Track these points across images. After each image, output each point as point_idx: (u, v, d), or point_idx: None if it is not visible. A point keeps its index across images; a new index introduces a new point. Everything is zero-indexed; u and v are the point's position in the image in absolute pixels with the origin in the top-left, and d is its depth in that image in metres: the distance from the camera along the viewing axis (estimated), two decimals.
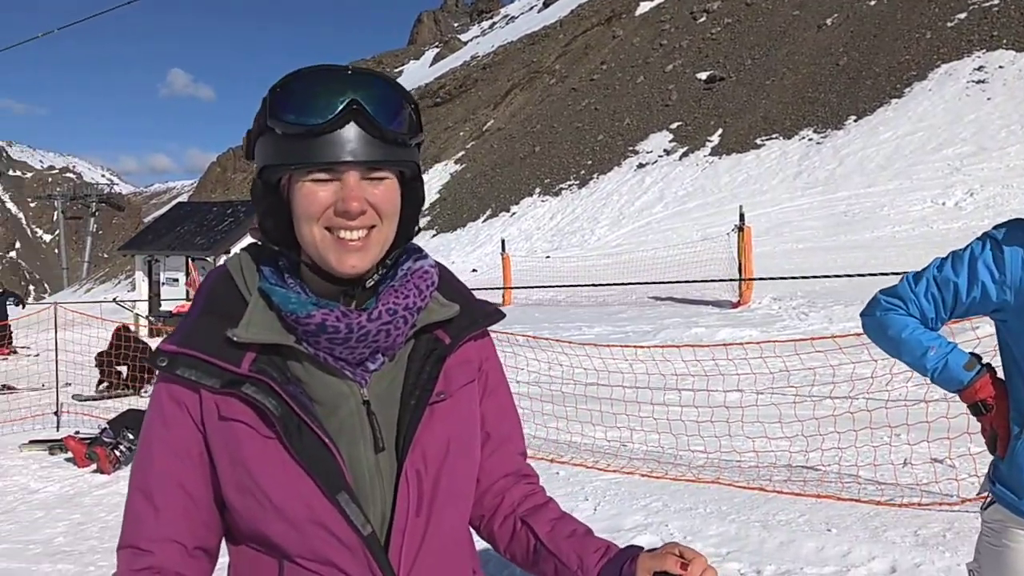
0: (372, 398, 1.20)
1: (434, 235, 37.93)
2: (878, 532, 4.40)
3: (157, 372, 1.23)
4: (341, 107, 1.12)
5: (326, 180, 1.14)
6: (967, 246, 2.06)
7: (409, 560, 1.19)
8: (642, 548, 1.24)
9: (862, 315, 2.25)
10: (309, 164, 1.13)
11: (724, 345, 7.95)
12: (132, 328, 13.27)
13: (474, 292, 1.41)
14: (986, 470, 2.13)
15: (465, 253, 33.29)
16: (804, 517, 4.73)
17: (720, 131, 34.16)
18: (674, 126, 36.79)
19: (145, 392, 11.38)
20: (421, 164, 1.26)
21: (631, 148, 36.89)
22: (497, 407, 1.39)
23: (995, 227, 2.05)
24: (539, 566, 1.35)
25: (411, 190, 1.24)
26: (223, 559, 1.26)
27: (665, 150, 35.32)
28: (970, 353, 2.09)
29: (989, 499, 2.05)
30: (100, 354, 11.59)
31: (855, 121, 29.68)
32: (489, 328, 1.38)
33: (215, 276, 1.26)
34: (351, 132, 1.13)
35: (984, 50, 29.85)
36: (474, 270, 27.68)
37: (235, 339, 1.16)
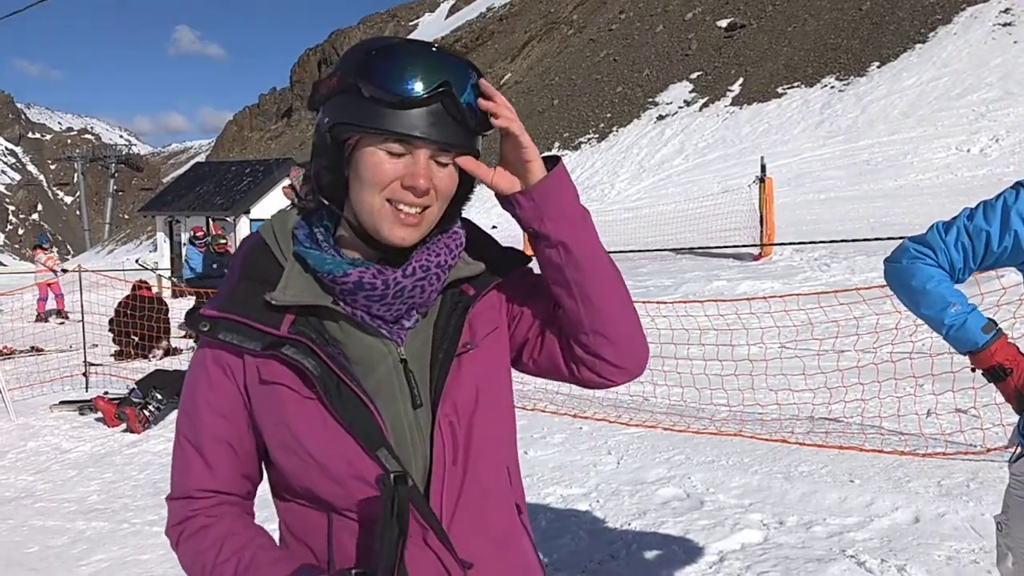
0: (408, 355, 1.25)
1: None
2: (901, 482, 4.41)
3: (195, 336, 1.30)
4: (435, 85, 1.15)
5: (399, 153, 1.17)
6: (999, 195, 2.03)
7: (450, 507, 1.24)
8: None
9: (886, 261, 2.22)
10: (390, 133, 1.15)
11: (748, 299, 7.91)
12: (153, 287, 13.34)
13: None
14: (1013, 421, 2.12)
15: (485, 209, 32.95)
16: (826, 468, 4.75)
17: (741, 80, 33.62)
18: (694, 76, 36.24)
19: (155, 356, 11.47)
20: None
21: (651, 100, 36.42)
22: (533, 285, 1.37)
23: None
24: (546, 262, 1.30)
25: (467, 177, 1.27)
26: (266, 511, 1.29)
27: (685, 101, 34.85)
28: (987, 319, 2.07)
29: (1019, 452, 2.04)
30: (110, 321, 11.63)
31: (878, 67, 29.10)
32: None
33: (250, 242, 1.30)
34: (436, 111, 1.16)
35: None
36: (494, 227, 27.58)
37: (273, 302, 1.21)
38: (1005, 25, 27.59)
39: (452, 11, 79.74)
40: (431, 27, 77.35)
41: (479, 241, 1.36)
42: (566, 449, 5.73)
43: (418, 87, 1.14)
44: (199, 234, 14.57)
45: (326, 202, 1.24)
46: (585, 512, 4.55)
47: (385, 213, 1.19)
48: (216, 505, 1.28)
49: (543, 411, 6.79)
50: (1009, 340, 2.05)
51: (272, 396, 1.22)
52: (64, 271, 16.93)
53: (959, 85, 25.32)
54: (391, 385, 1.23)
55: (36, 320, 15.92)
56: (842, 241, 13.01)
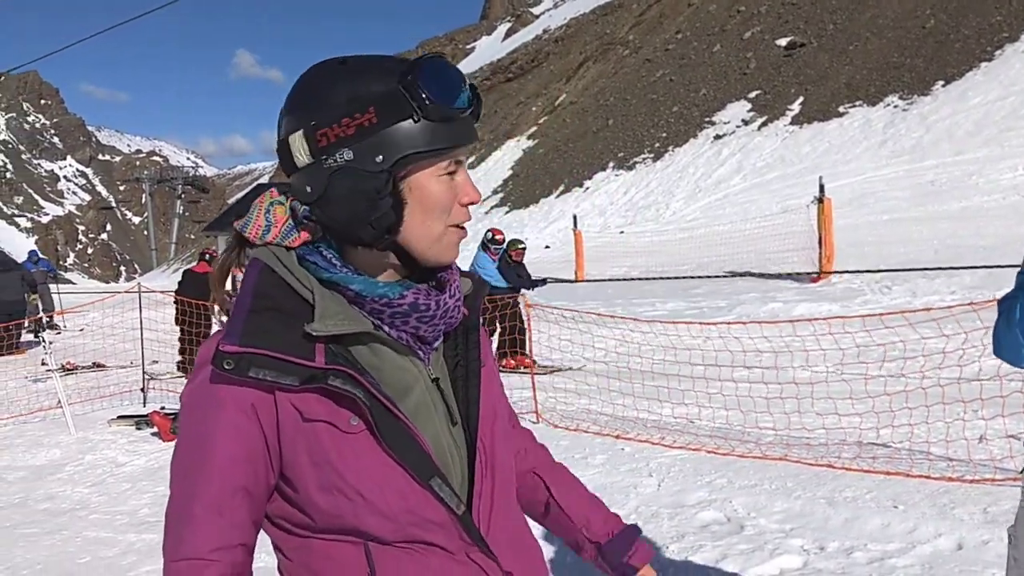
0: (436, 375, 1.26)
1: (507, 212, 37.96)
2: (946, 509, 4.29)
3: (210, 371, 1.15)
4: (472, 93, 1.17)
5: (451, 172, 1.18)
6: None
7: (486, 524, 1.24)
8: (639, 531, 1.50)
9: (994, 336, 2.01)
10: (456, 148, 1.16)
11: (791, 321, 7.79)
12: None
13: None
14: None
15: (539, 229, 33.24)
16: (871, 494, 4.64)
17: (801, 99, 33.14)
18: (752, 95, 35.85)
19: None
20: None
21: (707, 119, 36.12)
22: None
23: None
24: (548, 518, 1.54)
25: None
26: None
27: (743, 120, 34.47)
28: None
29: None
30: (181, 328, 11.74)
31: (943, 86, 28.40)
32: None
33: (258, 272, 1.20)
34: (474, 116, 1.19)
35: None
36: (547, 246, 27.64)
37: (314, 333, 1.13)
38: None
39: (509, 33, 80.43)
40: (488, 50, 78.12)
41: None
42: (607, 470, 5.70)
43: (467, 96, 1.16)
44: (499, 237, 11.14)
45: (381, 247, 1.19)
46: None
47: (450, 236, 1.20)
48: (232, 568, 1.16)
49: (586, 432, 6.77)
50: None
51: (312, 434, 1.14)
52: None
53: None
54: (428, 405, 1.22)
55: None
56: (898, 270, 12.72)
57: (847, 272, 13.58)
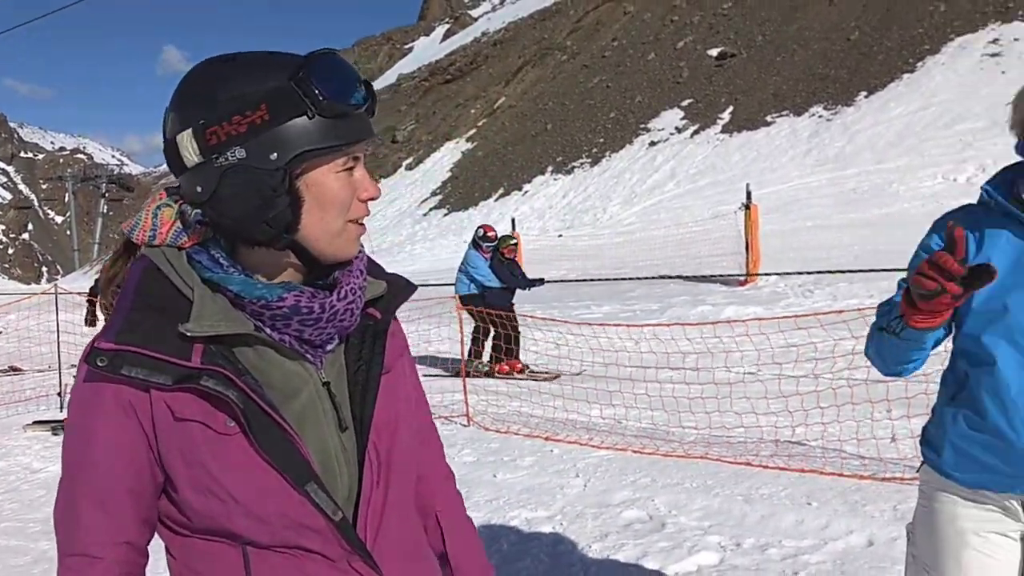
0: (328, 379, 1.23)
1: (446, 214, 37.89)
2: (857, 506, 4.44)
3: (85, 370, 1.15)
4: (365, 88, 1.15)
5: (349, 169, 1.16)
6: (918, 245, 2.03)
7: (374, 532, 1.23)
8: None
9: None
10: (352, 145, 1.14)
11: (712, 323, 7.98)
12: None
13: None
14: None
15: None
16: (786, 491, 4.77)
17: (731, 108, 33.87)
18: (685, 103, 36.50)
19: None
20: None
21: (643, 126, 36.64)
22: (412, 385, 1.44)
23: (940, 217, 2.04)
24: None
25: None
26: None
27: (677, 127, 35.07)
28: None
29: (922, 461, 2.10)
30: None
31: (866, 97, 29.36)
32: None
33: (142, 270, 1.18)
34: (369, 112, 1.18)
35: (999, 22, 29.42)
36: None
37: (189, 334, 1.12)
38: (993, 56, 27.89)
39: (447, 35, 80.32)
40: (426, 50, 77.89)
41: (373, 264, 1.35)
42: (535, 472, 5.74)
43: (361, 91, 1.15)
44: (490, 234, 10.41)
45: (281, 246, 1.17)
46: (548, 535, 4.56)
47: (349, 233, 1.19)
48: (119, 566, 1.17)
49: (516, 434, 6.80)
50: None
51: (185, 434, 1.13)
52: None
53: (947, 115, 25.55)
54: (316, 410, 1.20)
55: None
56: (820, 272, 13.10)
57: (773, 276, 13.93)
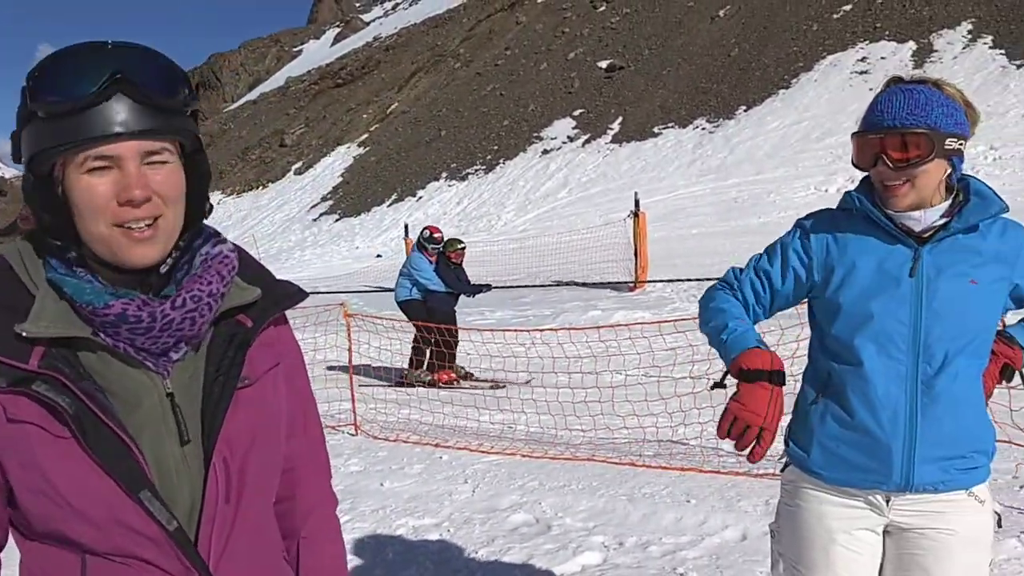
0: (176, 389, 1.18)
1: (337, 219, 37.38)
2: (733, 502, 4.64)
3: None
4: (105, 78, 1.08)
5: (104, 168, 1.10)
6: (779, 238, 2.16)
7: (219, 550, 1.19)
8: None
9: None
10: (81, 141, 1.08)
11: (596, 328, 8.18)
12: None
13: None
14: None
15: (370, 238, 32.99)
16: (668, 489, 4.94)
17: (620, 119, 34.75)
18: (577, 113, 37.22)
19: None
20: (202, 135, 1.24)
21: (536, 134, 37.15)
22: (295, 392, 1.38)
23: (804, 217, 2.17)
24: None
25: (194, 165, 1.21)
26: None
27: (568, 136, 35.72)
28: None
29: (786, 461, 2.18)
30: None
31: (745, 111, 30.67)
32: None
33: None
34: (121, 104, 1.09)
35: (867, 42, 31.30)
36: (379, 255, 27.42)
37: (24, 334, 1.09)
38: (862, 73, 29.61)
39: (338, 39, 79.34)
40: (316, 54, 76.71)
41: (252, 268, 1.31)
42: (424, 479, 5.73)
43: (88, 85, 1.08)
44: (436, 235, 9.89)
45: (58, 243, 1.15)
46: (434, 542, 4.57)
47: (115, 238, 1.12)
48: None
49: (405, 442, 6.78)
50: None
51: (20, 436, 1.10)
52: None
53: (818, 129, 26.97)
54: (156, 420, 1.16)
55: None
56: (705, 279, 13.58)
57: (660, 281, 14.36)
